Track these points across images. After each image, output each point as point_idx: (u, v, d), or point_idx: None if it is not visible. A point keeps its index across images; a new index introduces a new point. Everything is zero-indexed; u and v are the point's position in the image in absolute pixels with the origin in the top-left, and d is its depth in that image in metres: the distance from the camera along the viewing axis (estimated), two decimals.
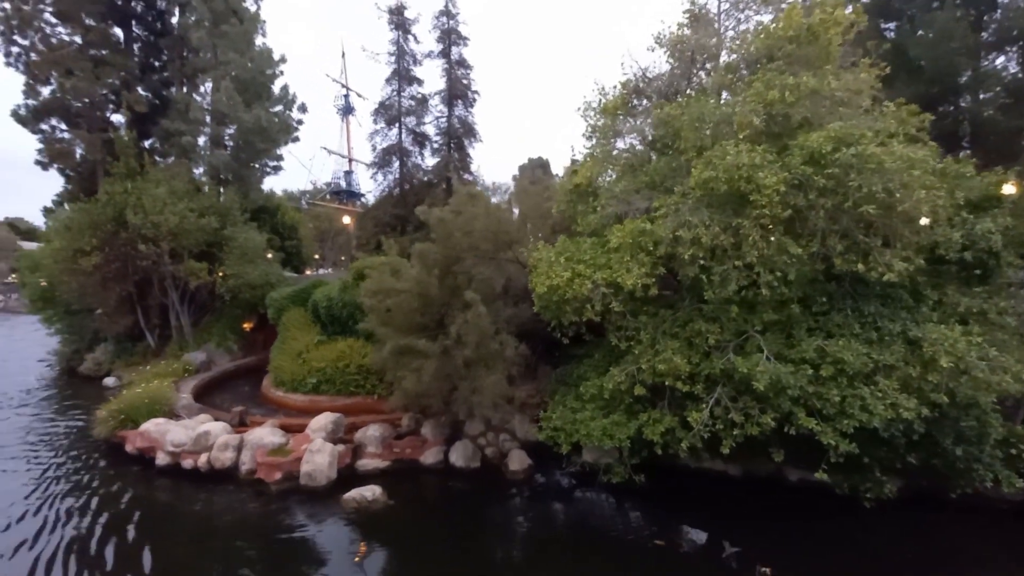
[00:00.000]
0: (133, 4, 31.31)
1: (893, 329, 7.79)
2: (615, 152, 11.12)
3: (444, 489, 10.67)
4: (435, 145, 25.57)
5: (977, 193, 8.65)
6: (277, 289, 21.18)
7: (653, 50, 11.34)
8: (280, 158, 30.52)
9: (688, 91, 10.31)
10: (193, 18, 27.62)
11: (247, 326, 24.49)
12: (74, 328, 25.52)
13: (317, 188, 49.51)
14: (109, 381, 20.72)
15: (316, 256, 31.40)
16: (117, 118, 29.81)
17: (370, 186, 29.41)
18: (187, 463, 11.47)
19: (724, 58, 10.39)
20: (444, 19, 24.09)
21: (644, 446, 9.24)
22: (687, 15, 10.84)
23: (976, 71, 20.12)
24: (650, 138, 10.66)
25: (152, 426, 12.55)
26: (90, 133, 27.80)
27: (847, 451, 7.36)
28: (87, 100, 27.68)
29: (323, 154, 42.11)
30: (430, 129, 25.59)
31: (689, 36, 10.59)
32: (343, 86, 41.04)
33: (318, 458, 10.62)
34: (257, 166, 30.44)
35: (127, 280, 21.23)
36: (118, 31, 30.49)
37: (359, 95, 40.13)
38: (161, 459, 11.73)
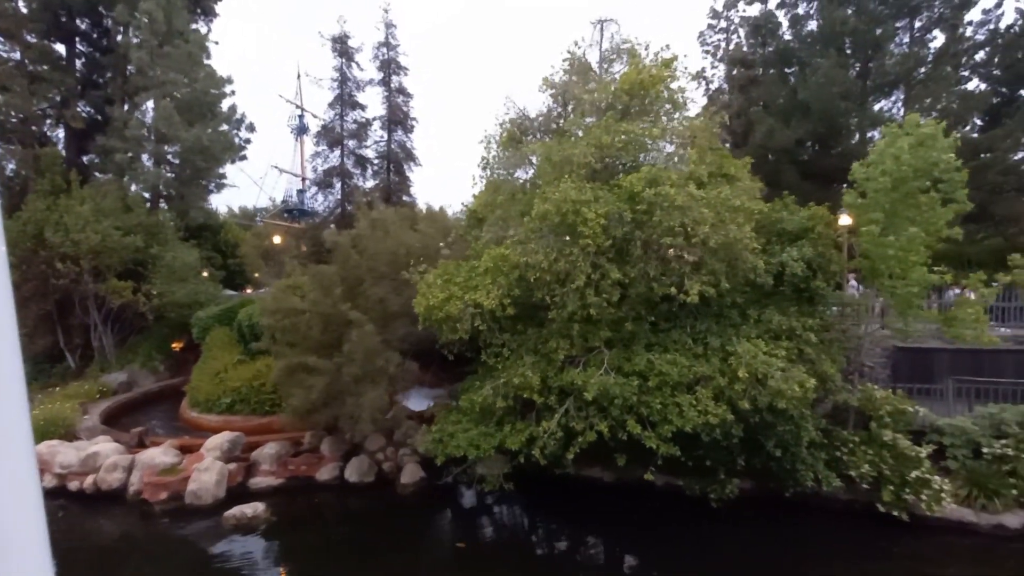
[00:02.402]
0: (77, 22, 31.20)
1: (715, 344, 8.81)
2: (501, 182, 12.04)
3: (329, 504, 10.97)
4: (375, 168, 26.32)
5: (794, 225, 9.94)
6: (205, 308, 21.08)
7: (544, 91, 12.52)
8: (223, 176, 30.58)
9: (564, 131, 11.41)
10: (137, 38, 27.73)
11: (177, 346, 24.05)
12: None
13: (276, 205, 49.31)
14: None
15: (256, 275, 31.23)
16: (59, 133, 29.47)
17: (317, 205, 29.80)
18: (73, 485, 11.35)
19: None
20: (384, 50, 25.18)
21: (513, 456, 9.89)
22: (566, 62, 12.04)
23: (861, 113, 22.48)
24: (532, 172, 11.66)
25: (44, 448, 12.33)
26: (24, 148, 27.27)
27: (670, 453, 8.22)
28: (21, 116, 27.25)
29: (275, 172, 42.01)
30: (371, 152, 26.38)
31: (566, 82, 11.76)
32: (297, 107, 41.36)
33: (204, 477, 10.76)
34: (203, 183, 30.39)
35: (46, 299, 20.71)
36: (60, 48, 30.25)
37: (314, 115, 40.51)
38: (47, 481, 11.54)
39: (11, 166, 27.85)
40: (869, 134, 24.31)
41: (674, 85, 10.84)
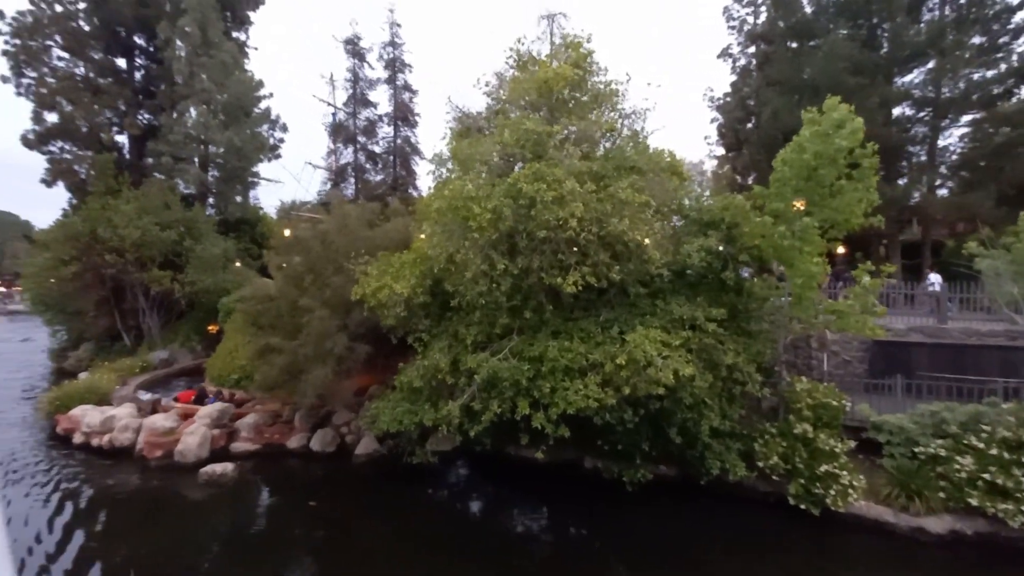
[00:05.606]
0: (135, 37, 34.85)
1: (614, 333, 9.09)
2: (453, 179, 12.72)
3: (293, 468, 12.44)
4: (383, 162, 27.73)
5: (709, 216, 9.81)
6: (231, 295, 23.56)
7: (480, 89, 12.99)
8: (256, 175, 33.48)
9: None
10: (183, 52, 30.66)
11: (213, 328, 26.92)
12: (66, 329, 28.78)
13: (321, 198, 52.97)
14: (83, 376, 23.42)
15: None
16: (123, 139, 33.54)
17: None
18: (95, 441, 13.61)
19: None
20: (390, 49, 26.34)
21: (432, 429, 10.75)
22: (510, 58, 12.41)
23: (881, 90, 20.69)
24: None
25: (79, 411, 14.84)
26: (93, 154, 31.27)
27: (560, 434, 8.70)
28: (88, 125, 31.15)
29: (310, 169, 44.83)
30: (379, 148, 27.78)
31: (509, 78, 12.15)
32: (329, 104, 43.80)
33: (190, 439, 12.55)
34: (242, 180, 33.43)
35: (103, 286, 24.04)
36: (121, 62, 34.10)
37: (346, 112, 42.88)
38: (77, 438, 13.93)
39: (82, 170, 31.92)
40: (895, 112, 22.44)
41: (604, 79, 10.99)
